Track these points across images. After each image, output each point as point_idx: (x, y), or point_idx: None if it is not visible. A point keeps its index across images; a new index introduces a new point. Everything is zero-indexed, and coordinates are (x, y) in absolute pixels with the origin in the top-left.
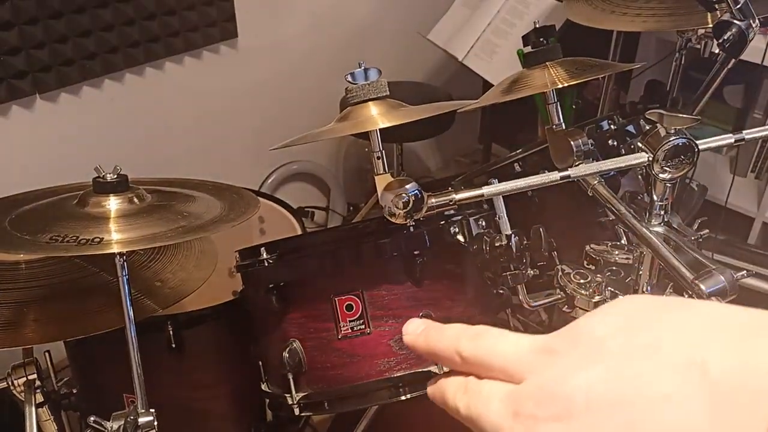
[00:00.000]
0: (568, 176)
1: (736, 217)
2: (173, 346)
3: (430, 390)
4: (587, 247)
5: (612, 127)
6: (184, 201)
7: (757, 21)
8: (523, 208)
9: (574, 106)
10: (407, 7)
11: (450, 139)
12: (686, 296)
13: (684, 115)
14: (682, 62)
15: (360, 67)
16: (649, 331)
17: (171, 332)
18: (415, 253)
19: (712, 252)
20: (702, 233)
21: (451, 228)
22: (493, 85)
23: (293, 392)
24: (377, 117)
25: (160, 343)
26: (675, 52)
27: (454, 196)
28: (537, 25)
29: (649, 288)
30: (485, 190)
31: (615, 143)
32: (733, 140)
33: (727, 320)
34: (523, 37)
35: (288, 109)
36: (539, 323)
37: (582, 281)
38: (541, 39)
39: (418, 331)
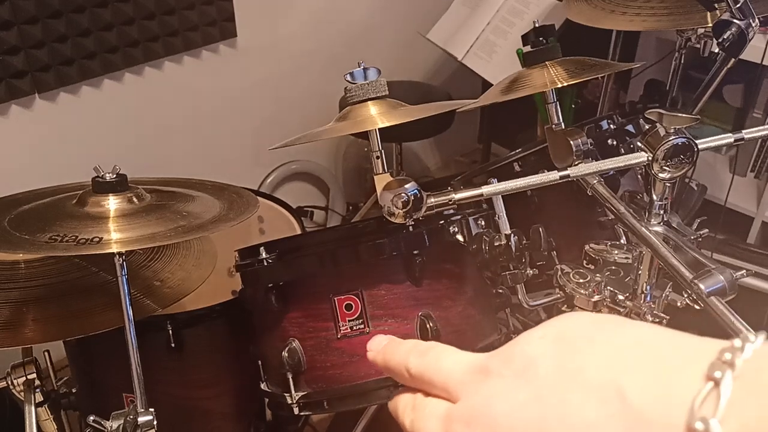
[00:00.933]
0: (568, 176)
1: (736, 217)
2: (173, 345)
3: (390, 404)
4: (586, 247)
5: (611, 126)
6: (184, 201)
7: (756, 20)
8: (523, 207)
9: (573, 106)
10: (407, 7)
11: (449, 139)
12: (685, 296)
13: (683, 115)
14: (682, 62)
15: (359, 67)
16: (577, 354)
17: (170, 332)
18: (415, 252)
19: (711, 251)
20: (701, 233)
21: (451, 227)
22: (492, 85)
23: (293, 392)
24: (376, 117)
25: (160, 343)
26: (675, 52)
27: (453, 195)
28: (536, 25)
29: (648, 287)
30: (484, 189)
31: (614, 143)
32: (732, 140)
33: (656, 348)
34: (522, 36)
35: (287, 109)
36: (538, 323)
37: (581, 281)
38: (541, 38)
39: (380, 348)
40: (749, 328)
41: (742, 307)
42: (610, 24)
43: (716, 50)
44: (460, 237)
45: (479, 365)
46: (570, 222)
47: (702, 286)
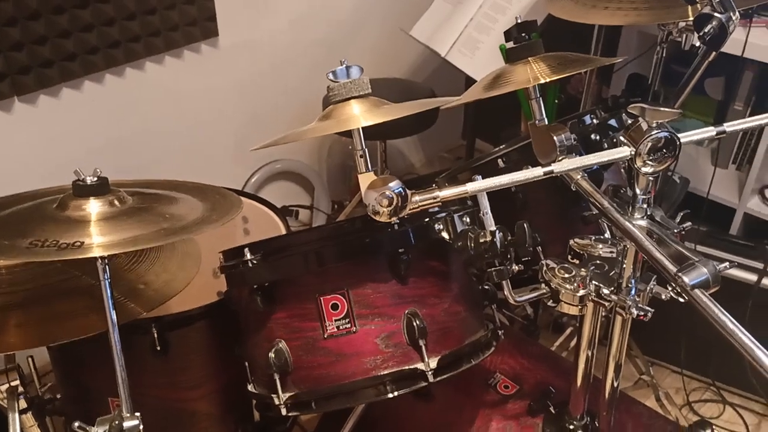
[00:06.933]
0: (552, 172)
1: (718, 208)
2: (158, 348)
3: None
4: (571, 242)
5: (594, 121)
6: (166, 203)
7: (737, 13)
8: (508, 203)
9: (557, 101)
10: (389, 4)
11: (434, 136)
12: (670, 289)
13: (665, 109)
14: (664, 55)
15: (342, 65)
16: None
17: (156, 334)
18: (400, 250)
19: (695, 243)
20: (684, 225)
21: (436, 225)
22: (475, 81)
23: (280, 392)
24: (359, 115)
25: (146, 345)
26: (656, 46)
27: (438, 193)
28: (519, 21)
29: (633, 281)
30: (469, 186)
31: (597, 137)
32: (714, 133)
33: None
34: (505, 32)
35: (271, 108)
36: (525, 317)
37: (566, 276)
38: (523, 34)
39: None
40: (734, 320)
41: (725, 298)
42: (592, 19)
43: (697, 44)
44: (445, 234)
45: None
46: (555, 217)
47: (686, 279)
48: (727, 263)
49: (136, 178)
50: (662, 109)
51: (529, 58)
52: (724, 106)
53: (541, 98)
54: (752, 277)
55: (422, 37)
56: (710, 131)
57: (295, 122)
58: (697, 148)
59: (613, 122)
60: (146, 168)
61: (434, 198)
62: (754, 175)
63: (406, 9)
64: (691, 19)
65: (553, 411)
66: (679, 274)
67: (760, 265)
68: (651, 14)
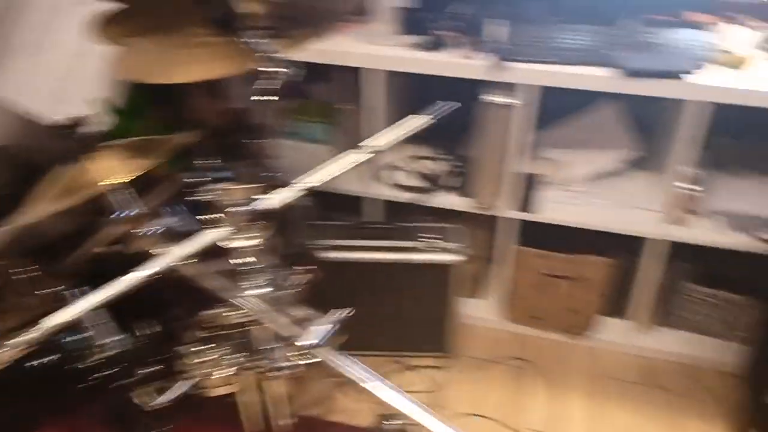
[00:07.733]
0: (155, 273)
1: (347, 200)
2: None
3: None
4: (201, 315)
5: (199, 178)
6: None
7: (290, 67)
8: (135, 300)
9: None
10: None
11: None
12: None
13: (246, 186)
14: (262, 91)
15: None
16: None
17: None
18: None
19: (336, 237)
20: (302, 280)
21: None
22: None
23: None
24: None
25: None
26: (253, 85)
27: (29, 337)
28: (68, 120)
29: (274, 342)
30: (62, 316)
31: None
32: (303, 191)
33: None
34: (57, 128)
35: None
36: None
37: (209, 358)
38: (77, 129)
39: None
40: (369, 370)
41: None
42: (161, 78)
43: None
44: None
45: None
46: (195, 296)
47: (304, 342)
48: (348, 310)
49: None
50: (242, 186)
51: (97, 153)
52: (332, 107)
53: (123, 192)
54: (392, 256)
55: (5, 95)
56: (301, 190)
57: None
58: (315, 146)
59: (225, 174)
60: None
61: (30, 341)
62: (373, 163)
63: None
64: (256, 67)
65: None
66: (297, 340)
67: (397, 244)
68: (221, 67)
